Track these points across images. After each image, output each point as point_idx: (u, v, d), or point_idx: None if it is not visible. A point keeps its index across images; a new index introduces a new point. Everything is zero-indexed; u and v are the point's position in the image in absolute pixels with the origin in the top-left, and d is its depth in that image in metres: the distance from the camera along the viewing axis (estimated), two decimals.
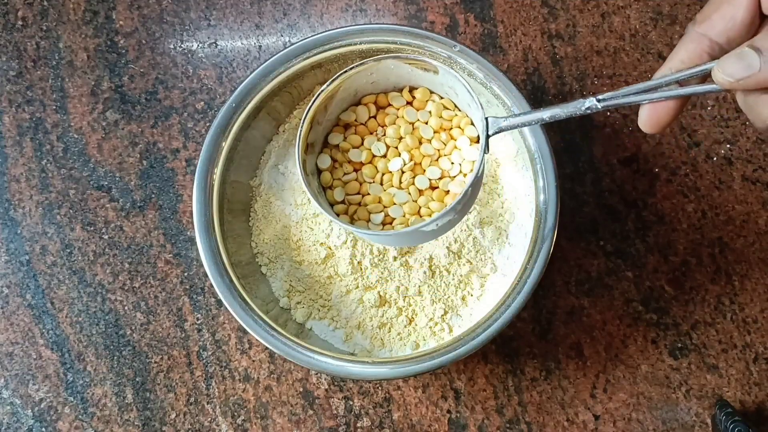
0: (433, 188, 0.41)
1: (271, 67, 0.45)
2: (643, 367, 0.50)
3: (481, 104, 0.37)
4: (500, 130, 0.37)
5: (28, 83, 0.54)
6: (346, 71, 0.39)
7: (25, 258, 0.53)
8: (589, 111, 0.34)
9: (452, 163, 0.41)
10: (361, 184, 0.42)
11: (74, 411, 0.51)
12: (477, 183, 0.37)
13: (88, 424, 0.51)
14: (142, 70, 0.54)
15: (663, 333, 0.51)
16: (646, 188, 0.52)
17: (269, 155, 0.49)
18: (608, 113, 0.52)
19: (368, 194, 0.41)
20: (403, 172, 0.41)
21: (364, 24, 0.51)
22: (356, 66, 0.39)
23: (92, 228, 0.53)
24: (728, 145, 0.52)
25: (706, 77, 0.32)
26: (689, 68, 0.32)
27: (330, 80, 0.39)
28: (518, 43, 0.53)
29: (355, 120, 0.42)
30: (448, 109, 0.42)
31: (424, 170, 0.41)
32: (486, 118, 0.37)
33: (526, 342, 0.51)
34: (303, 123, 0.39)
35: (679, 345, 0.50)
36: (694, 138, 0.52)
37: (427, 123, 0.42)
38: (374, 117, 0.42)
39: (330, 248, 0.46)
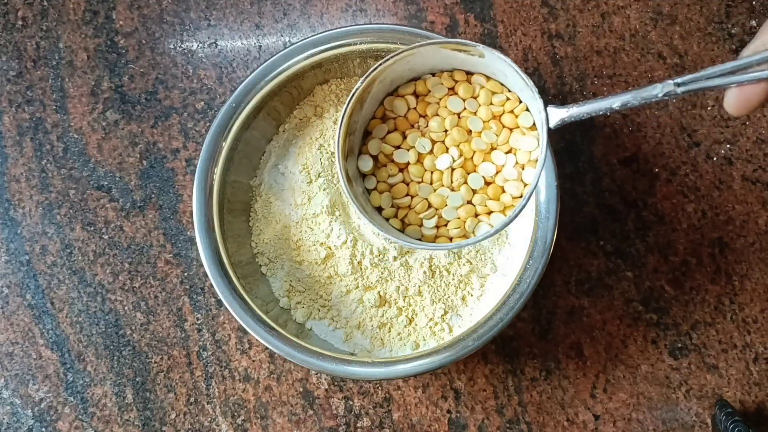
0: (487, 184, 0.38)
1: (271, 67, 0.45)
2: (643, 367, 0.50)
3: (539, 93, 0.34)
4: (563, 123, 0.33)
5: (28, 83, 0.54)
6: (381, 64, 0.36)
7: (25, 258, 0.53)
8: (666, 98, 0.30)
9: (507, 153, 0.38)
10: (408, 184, 0.39)
11: (74, 411, 0.51)
12: (538, 179, 0.35)
13: (88, 424, 0.51)
14: (142, 70, 0.54)
15: (663, 333, 0.51)
16: (646, 188, 0.52)
17: (269, 155, 0.49)
18: (607, 113, 0.52)
19: (417, 195, 0.38)
20: (453, 170, 0.38)
21: (364, 24, 0.51)
22: (392, 56, 0.36)
23: (92, 228, 0.53)
24: (728, 145, 0.52)
25: None
26: None
27: (365, 75, 0.36)
28: (518, 43, 0.53)
29: (393, 113, 0.39)
30: (496, 93, 0.38)
31: (476, 166, 0.38)
32: (546, 109, 0.34)
33: (526, 342, 0.51)
34: (340, 127, 0.36)
35: (679, 345, 0.50)
36: (694, 138, 0.52)
37: (475, 113, 0.38)
38: (414, 108, 0.39)
39: (330, 248, 0.46)
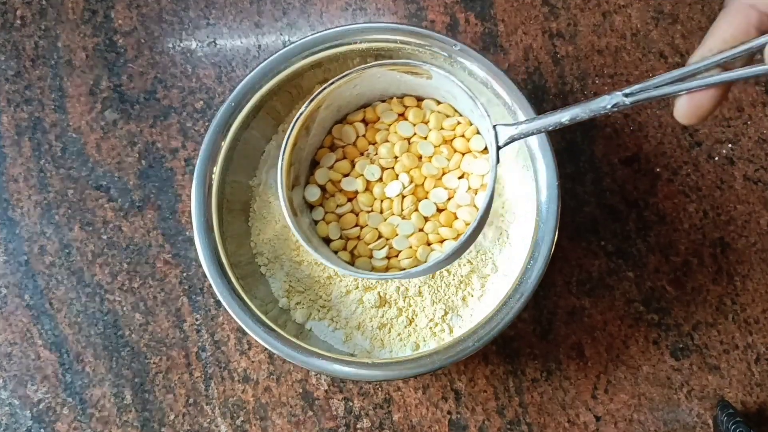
0: (439, 210, 0.37)
1: (271, 67, 0.45)
2: (644, 368, 0.50)
3: (487, 111, 0.33)
4: (512, 140, 0.32)
5: (26, 82, 0.54)
6: (326, 87, 0.34)
7: (24, 258, 0.52)
8: (615, 109, 0.29)
9: (459, 178, 0.37)
10: (357, 214, 0.37)
11: (73, 412, 0.51)
12: (490, 202, 0.33)
13: (86, 425, 0.51)
14: (141, 70, 0.54)
15: (664, 333, 0.50)
16: (648, 188, 0.51)
17: (268, 155, 0.49)
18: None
19: (366, 225, 0.37)
20: (403, 197, 0.37)
21: (364, 23, 0.51)
22: (337, 80, 0.34)
23: (91, 228, 0.53)
24: (730, 145, 0.52)
25: (753, 56, 0.27)
26: (734, 48, 0.27)
27: (309, 99, 0.35)
28: (519, 42, 0.53)
29: (342, 141, 0.38)
30: (448, 116, 0.37)
31: (427, 192, 0.37)
32: (495, 127, 0.32)
33: (527, 342, 0.51)
34: (283, 153, 0.35)
35: (681, 346, 0.50)
36: (696, 138, 0.52)
37: (426, 138, 0.37)
38: (363, 135, 0.38)
39: None
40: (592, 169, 0.52)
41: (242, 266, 0.45)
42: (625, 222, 0.51)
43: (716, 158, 0.52)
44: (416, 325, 0.46)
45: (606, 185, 0.52)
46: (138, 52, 0.54)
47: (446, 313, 0.46)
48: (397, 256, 0.37)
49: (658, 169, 0.52)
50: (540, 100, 0.52)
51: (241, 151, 0.46)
